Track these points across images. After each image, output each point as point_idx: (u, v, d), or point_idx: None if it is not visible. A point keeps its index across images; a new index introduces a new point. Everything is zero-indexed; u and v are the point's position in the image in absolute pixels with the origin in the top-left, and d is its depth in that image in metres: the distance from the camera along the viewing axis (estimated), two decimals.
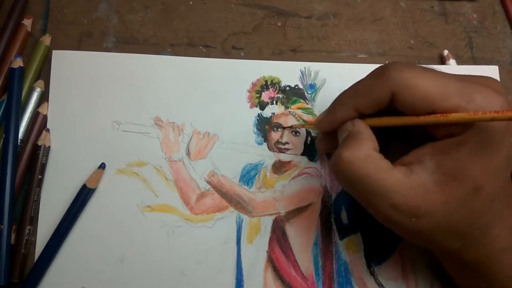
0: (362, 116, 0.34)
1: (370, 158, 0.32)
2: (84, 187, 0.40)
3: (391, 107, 0.33)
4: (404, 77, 0.31)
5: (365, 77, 0.34)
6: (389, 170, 0.32)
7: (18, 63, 0.41)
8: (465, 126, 0.31)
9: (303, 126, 0.42)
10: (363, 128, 0.33)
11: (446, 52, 0.46)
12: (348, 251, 0.40)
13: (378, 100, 0.33)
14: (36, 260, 0.39)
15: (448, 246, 0.33)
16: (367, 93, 0.33)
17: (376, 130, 0.34)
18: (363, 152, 0.32)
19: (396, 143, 0.36)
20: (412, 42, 0.46)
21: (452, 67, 0.45)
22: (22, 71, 0.42)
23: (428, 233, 0.32)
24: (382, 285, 0.40)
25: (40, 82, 0.42)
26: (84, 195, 0.40)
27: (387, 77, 0.32)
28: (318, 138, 0.40)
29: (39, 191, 0.40)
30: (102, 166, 0.41)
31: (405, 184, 0.31)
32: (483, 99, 0.31)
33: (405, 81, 0.31)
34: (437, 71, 0.32)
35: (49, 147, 0.41)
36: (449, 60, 0.45)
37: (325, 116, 0.36)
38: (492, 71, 0.45)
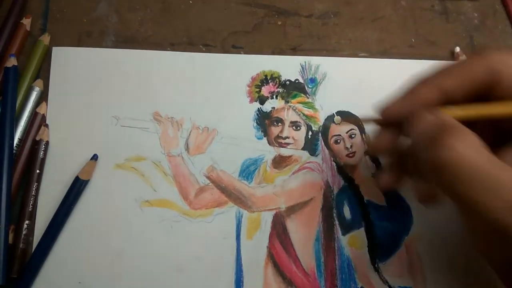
0: (447, 104, 0.30)
1: (483, 153, 0.27)
2: (77, 179, 0.41)
3: (486, 98, 0.29)
4: (506, 56, 0.28)
5: (456, 61, 0.30)
6: (503, 165, 0.27)
7: (12, 62, 0.43)
8: None
9: (368, 120, 0.37)
10: (450, 118, 0.28)
11: (458, 48, 0.47)
12: (351, 247, 0.41)
13: (472, 81, 0.28)
14: (31, 255, 0.39)
15: None
16: (458, 71, 0.29)
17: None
18: (476, 143, 0.27)
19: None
20: (413, 40, 0.48)
21: None
22: (17, 70, 0.43)
23: None
24: (387, 282, 0.40)
25: (39, 82, 0.44)
26: (77, 187, 0.41)
27: (485, 55, 0.28)
28: (375, 136, 0.35)
29: (38, 186, 0.41)
30: (95, 158, 0.42)
31: None
32: None
33: (508, 59, 0.28)
34: None
35: (47, 142, 0.42)
36: (462, 56, 0.47)
37: (401, 99, 0.31)
38: None
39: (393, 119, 0.33)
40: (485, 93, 0.29)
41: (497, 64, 0.28)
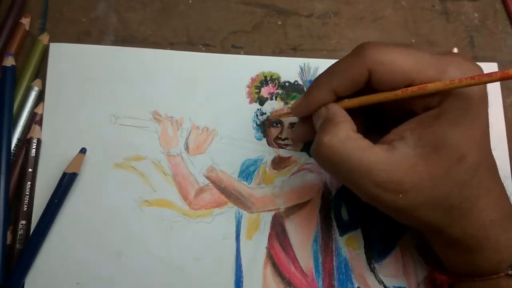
0: (340, 99, 0.36)
1: (350, 139, 0.33)
2: (64, 174, 0.41)
3: (368, 90, 0.35)
4: (380, 54, 0.34)
5: (341, 59, 0.36)
6: (370, 148, 0.33)
7: (10, 61, 0.43)
8: (442, 98, 0.33)
9: (280, 115, 0.44)
10: (337, 111, 0.35)
11: (455, 49, 0.48)
12: (348, 248, 0.42)
13: (355, 79, 0.34)
14: (21, 254, 0.39)
15: (436, 222, 0.34)
16: (343, 73, 0.35)
17: (355, 115, 0.35)
18: (342, 134, 0.33)
19: (377, 127, 0.38)
20: (413, 41, 0.49)
21: None
22: (15, 69, 0.43)
23: (416, 208, 0.33)
24: (383, 282, 0.41)
25: (38, 81, 0.44)
26: (65, 182, 0.41)
27: (363, 55, 0.34)
28: (295, 126, 0.42)
29: (32, 185, 0.41)
30: (83, 151, 0.42)
31: (387, 160, 0.33)
32: (456, 69, 0.33)
33: (380, 57, 0.33)
34: (410, 47, 0.35)
35: (39, 140, 0.42)
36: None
37: (301, 100, 0.38)
38: (491, 69, 0.47)
39: (302, 115, 0.39)
40: (367, 89, 0.35)
41: (372, 64, 0.33)
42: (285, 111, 0.44)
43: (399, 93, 0.34)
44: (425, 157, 0.33)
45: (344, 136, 0.33)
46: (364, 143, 0.34)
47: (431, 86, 0.32)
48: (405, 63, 0.33)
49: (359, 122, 0.36)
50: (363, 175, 0.33)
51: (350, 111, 0.36)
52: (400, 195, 0.33)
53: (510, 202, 0.36)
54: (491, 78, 0.31)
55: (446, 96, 0.33)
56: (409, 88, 0.33)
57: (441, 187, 0.33)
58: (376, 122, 0.39)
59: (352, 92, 0.35)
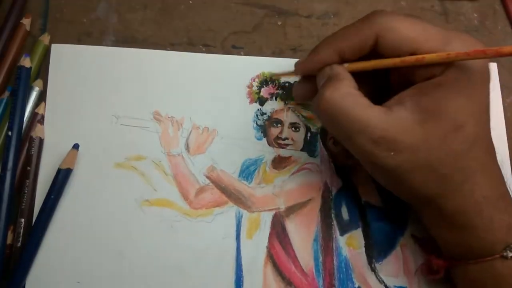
0: (343, 62, 0.37)
1: (350, 95, 0.35)
2: (58, 170, 0.41)
3: (373, 56, 0.36)
4: (388, 20, 0.35)
5: (350, 23, 0.37)
6: (369, 106, 0.34)
7: (27, 62, 0.43)
8: (444, 68, 0.34)
9: (283, 74, 0.45)
10: (341, 70, 0.36)
11: None
12: (349, 247, 0.42)
13: (361, 43, 0.36)
14: (21, 252, 0.40)
15: (426, 190, 0.35)
16: (351, 36, 0.36)
17: (361, 82, 0.37)
18: (343, 90, 0.35)
19: (381, 97, 0.38)
20: None
21: None
22: (30, 71, 0.44)
23: (407, 170, 0.34)
24: (383, 281, 0.42)
25: (39, 82, 0.45)
26: (60, 178, 0.41)
27: (372, 21, 0.35)
28: (295, 84, 0.43)
29: (33, 184, 0.42)
30: (76, 147, 0.42)
31: (384, 119, 0.34)
32: (459, 43, 0.34)
33: (389, 24, 0.35)
34: (419, 18, 0.36)
35: (41, 139, 0.43)
36: None
37: (306, 59, 0.39)
38: (491, 70, 0.48)
39: (304, 73, 0.41)
40: (372, 51, 0.36)
41: (380, 29, 0.35)
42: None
43: (398, 61, 0.35)
44: (421, 122, 0.34)
45: (345, 91, 0.35)
46: (364, 100, 0.35)
47: (428, 58, 0.34)
48: (412, 32, 0.35)
49: (363, 88, 0.36)
50: (359, 130, 0.34)
51: (355, 76, 0.37)
52: (393, 153, 0.34)
53: (505, 184, 0.36)
54: (486, 54, 0.33)
55: (448, 67, 0.34)
56: (408, 58, 0.35)
57: (435, 153, 0.34)
58: (381, 91, 0.39)
59: (357, 57, 0.37)
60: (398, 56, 0.35)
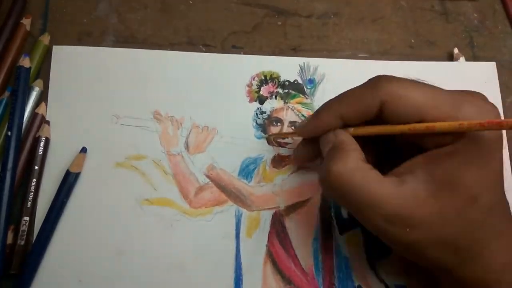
0: (346, 127, 0.36)
1: (359, 170, 0.33)
2: (68, 172, 0.42)
3: (377, 121, 0.35)
4: (394, 87, 0.34)
5: (354, 87, 0.36)
6: (380, 181, 0.33)
7: (27, 62, 0.44)
8: (456, 136, 0.33)
9: (284, 134, 0.45)
10: (346, 138, 0.35)
11: (456, 50, 0.49)
12: (348, 246, 0.43)
13: (366, 109, 0.34)
14: (29, 252, 0.41)
15: (444, 261, 0.33)
16: (355, 101, 0.35)
17: (364, 144, 0.36)
18: (352, 164, 0.33)
19: (386, 159, 0.37)
20: (412, 41, 0.50)
21: (461, 64, 0.48)
22: (29, 71, 0.44)
23: (423, 245, 0.33)
24: (384, 281, 0.42)
25: (39, 82, 0.45)
26: (69, 181, 0.42)
27: (377, 86, 0.34)
28: (297, 147, 0.42)
29: (37, 183, 0.42)
30: (84, 150, 0.43)
31: (397, 194, 0.32)
32: (471, 107, 0.33)
33: (395, 90, 0.34)
34: (426, 83, 0.35)
35: (47, 139, 0.43)
36: (459, 58, 0.49)
37: (309, 122, 0.38)
38: (490, 68, 0.49)
39: (306, 137, 0.40)
40: (376, 117, 0.35)
41: (385, 96, 0.34)
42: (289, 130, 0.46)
43: (406, 128, 0.34)
44: (435, 195, 0.32)
45: (353, 166, 0.33)
46: (374, 174, 0.33)
47: (439, 126, 0.32)
48: (419, 98, 0.33)
49: (367, 151, 0.36)
50: (371, 208, 0.32)
51: (359, 140, 0.36)
52: (408, 230, 0.32)
53: None
54: (501, 126, 0.30)
55: (460, 135, 0.33)
56: (417, 126, 0.33)
57: (451, 227, 0.32)
58: (386, 152, 0.39)
59: (361, 122, 0.36)
60: (405, 122, 0.34)
